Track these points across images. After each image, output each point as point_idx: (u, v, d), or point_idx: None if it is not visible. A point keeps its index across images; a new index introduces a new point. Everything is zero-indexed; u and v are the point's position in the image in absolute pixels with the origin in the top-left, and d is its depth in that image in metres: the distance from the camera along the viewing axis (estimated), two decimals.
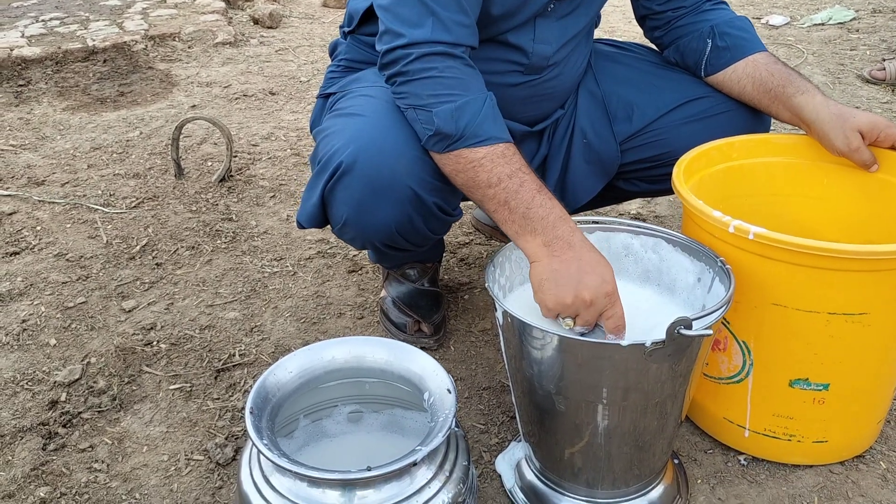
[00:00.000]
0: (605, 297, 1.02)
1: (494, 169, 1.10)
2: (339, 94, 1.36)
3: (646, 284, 1.21)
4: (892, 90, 2.83)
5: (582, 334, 1.04)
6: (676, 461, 1.25)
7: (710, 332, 0.95)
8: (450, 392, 0.97)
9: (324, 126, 1.29)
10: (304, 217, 1.30)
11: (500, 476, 1.23)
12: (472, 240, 1.95)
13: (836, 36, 3.50)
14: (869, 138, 1.23)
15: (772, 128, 1.47)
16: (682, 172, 1.20)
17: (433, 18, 1.12)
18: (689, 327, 0.93)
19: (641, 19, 1.51)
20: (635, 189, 1.57)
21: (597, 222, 1.21)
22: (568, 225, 1.06)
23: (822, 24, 3.67)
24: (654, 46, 1.54)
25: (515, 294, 1.19)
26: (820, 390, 1.15)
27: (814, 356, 1.12)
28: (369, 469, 0.87)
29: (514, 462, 1.24)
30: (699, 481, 1.22)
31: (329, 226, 1.32)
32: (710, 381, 1.25)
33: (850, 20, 3.68)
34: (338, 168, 1.19)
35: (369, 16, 1.37)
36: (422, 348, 1.52)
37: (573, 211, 1.55)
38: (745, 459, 1.26)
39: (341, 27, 1.49)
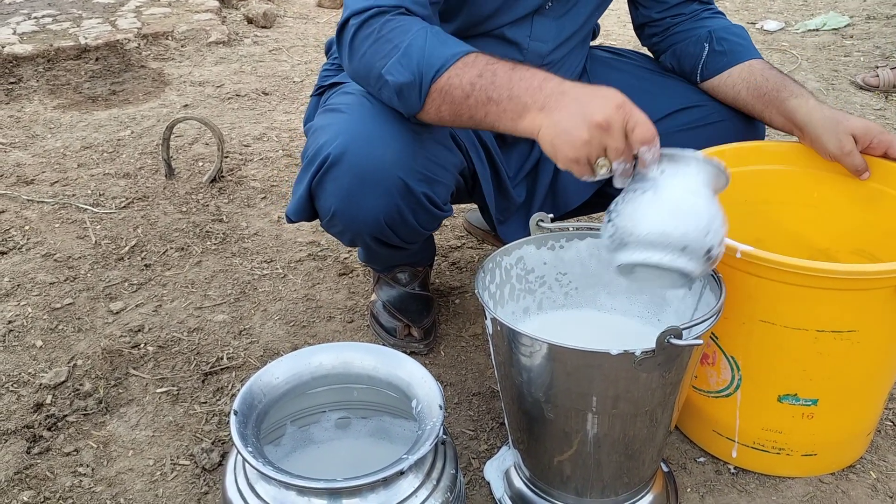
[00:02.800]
0: (618, 109, 0.93)
1: (463, 80, 1.05)
2: (330, 91, 1.36)
3: (637, 294, 1.20)
4: (886, 97, 2.84)
5: (622, 176, 0.96)
6: (666, 469, 1.24)
7: (701, 341, 0.95)
8: (439, 404, 0.96)
9: (314, 122, 1.29)
10: (292, 210, 1.30)
11: (489, 484, 1.22)
12: (463, 243, 1.94)
13: (831, 42, 3.50)
14: (862, 143, 1.22)
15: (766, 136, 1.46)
16: None
17: None
18: (679, 336, 0.92)
19: (640, 27, 1.51)
20: None
21: (589, 228, 1.20)
22: (554, 80, 1.00)
23: (817, 30, 3.67)
24: (649, 54, 1.53)
25: (509, 307, 1.18)
26: (809, 405, 1.14)
27: (802, 372, 1.11)
28: (356, 478, 0.86)
29: (503, 469, 1.23)
30: (689, 490, 1.22)
31: (317, 220, 1.31)
32: (699, 394, 1.24)
33: (845, 26, 3.68)
34: (325, 160, 1.18)
35: None
36: (411, 353, 1.52)
37: (564, 215, 1.54)
38: (735, 469, 1.25)
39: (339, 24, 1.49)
